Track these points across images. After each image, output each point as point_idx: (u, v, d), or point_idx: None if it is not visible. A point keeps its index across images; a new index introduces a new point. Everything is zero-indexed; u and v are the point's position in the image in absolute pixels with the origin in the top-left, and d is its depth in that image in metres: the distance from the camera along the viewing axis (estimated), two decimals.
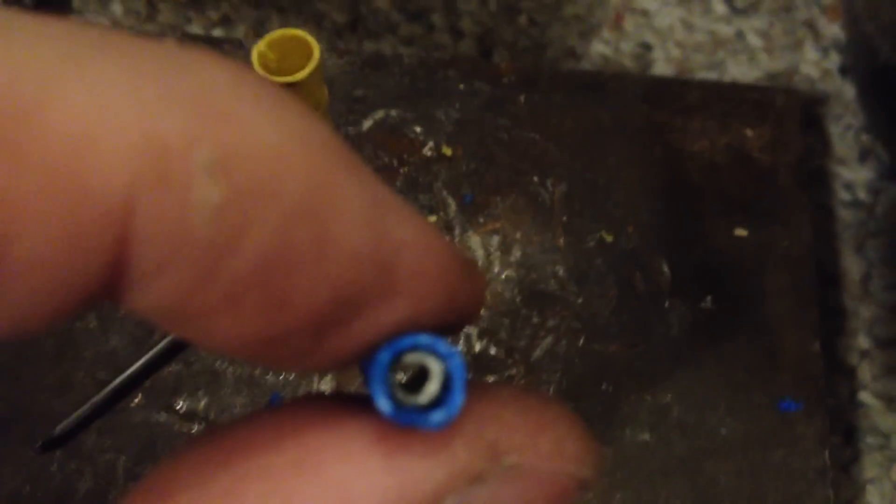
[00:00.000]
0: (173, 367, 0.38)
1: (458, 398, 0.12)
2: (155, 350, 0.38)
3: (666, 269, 0.40)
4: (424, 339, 0.12)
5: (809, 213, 0.41)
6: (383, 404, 0.12)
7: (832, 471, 0.38)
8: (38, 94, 0.09)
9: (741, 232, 0.40)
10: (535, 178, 0.41)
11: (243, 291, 0.11)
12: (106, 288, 0.10)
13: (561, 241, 0.40)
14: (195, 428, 0.36)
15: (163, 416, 0.37)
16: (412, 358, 0.12)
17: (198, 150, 0.10)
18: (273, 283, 0.11)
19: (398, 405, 0.12)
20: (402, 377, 0.12)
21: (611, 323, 0.39)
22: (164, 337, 0.38)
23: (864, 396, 0.42)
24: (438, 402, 0.12)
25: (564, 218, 0.41)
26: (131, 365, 0.37)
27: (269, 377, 0.37)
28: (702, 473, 0.36)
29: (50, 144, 0.09)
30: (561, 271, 0.40)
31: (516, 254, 0.40)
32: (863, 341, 0.43)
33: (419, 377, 0.12)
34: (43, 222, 0.10)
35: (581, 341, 0.38)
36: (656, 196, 0.41)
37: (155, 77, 0.10)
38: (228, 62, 0.11)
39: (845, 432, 0.41)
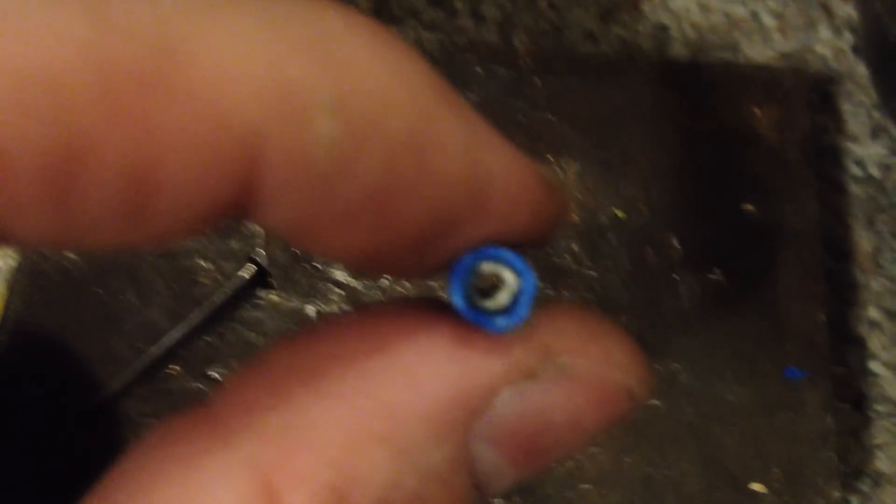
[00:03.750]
0: (208, 339, 0.40)
1: (524, 311, 0.13)
2: (191, 322, 0.39)
3: (676, 243, 0.41)
4: (507, 254, 0.14)
5: (815, 190, 0.42)
6: (458, 300, 0.13)
7: (838, 436, 0.39)
8: (186, 38, 0.11)
9: (749, 208, 0.42)
10: (551, 158, 0.43)
11: (356, 212, 0.12)
12: (238, 206, 0.12)
13: (576, 218, 0.42)
14: None
15: (199, 384, 0.39)
16: (492, 268, 0.14)
17: (318, 90, 0.11)
18: (381, 205, 0.12)
19: (470, 305, 0.13)
20: (480, 280, 0.14)
21: (623, 295, 0.40)
22: (199, 309, 0.40)
23: (874, 366, 0.43)
24: (506, 310, 0.13)
25: (579, 196, 0.42)
26: (169, 336, 0.39)
27: None
28: (709, 438, 0.37)
29: (196, 82, 0.11)
30: (575, 246, 0.41)
31: None
32: (873, 313, 0.44)
33: (494, 288, 0.14)
34: (188, 148, 0.11)
35: None
36: (667, 174, 0.42)
37: (282, 25, 0.12)
38: (342, 9, 0.12)
39: (855, 400, 0.42)
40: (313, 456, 0.12)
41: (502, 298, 0.14)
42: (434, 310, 0.14)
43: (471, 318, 0.13)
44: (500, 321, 0.13)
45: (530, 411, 0.13)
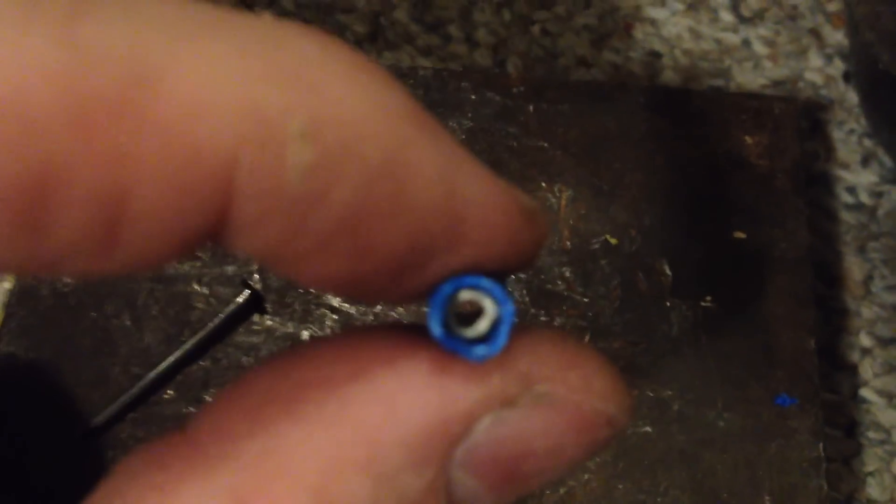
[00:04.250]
0: (202, 364, 0.40)
1: (502, 340, 0.13)
2: (185, 346, 0.39)
3: (667, 270, 0.41)
4: (486, 282, 0.14)
5: (806, 217, 0.43)
6: (435, 328, 0.13)
7: (829, 463, 0.40)
8: (159, 65, 0.11)
9: (740, 235, 0.42)
10: (544, 185, 0.43)
11: (331, 239, 0.12)
12: (211, 235, 0.12)
13: (568, 244, 0.42)
14: None
15: (192, 409, 0.39)
16: (471, 295, 0.14)
17: (292, 117, 0.11)
18: (357, 233, 0.12)
19: (449, 333, 0.13)
20: (460, 308, 0.14)
21: (615, 321, 0.40)
22: (194, 334, 0.40)
23: (866, 393, 0.43)
24: (484, 338, 0.14)
25: (571, 222, 0.42)
26: (163, 361, 0.39)
27: None
28: (700, 464, 0.38)
29: (168, 110, 0.11)
30: (568, 272, 0.41)
31: None
32: (864, 339, 0.44)
33: (474, 315, 0.14)
34: (160, 178, 0.11)
35: (586, 339, 0.40)
36: (658, 200, 0.43)
37: (257, 52, 0.12)
38: (319, 35, 0.12)
39: (847, 427, 0.42)
40: (292, 483, 0.12)
41: (481, 326, 0.14)
42: (415, 336, 0.14)
43: (449, 347, 0.13)
44: (479, 350, 0.13)
45: (509, 439, 0.14)
